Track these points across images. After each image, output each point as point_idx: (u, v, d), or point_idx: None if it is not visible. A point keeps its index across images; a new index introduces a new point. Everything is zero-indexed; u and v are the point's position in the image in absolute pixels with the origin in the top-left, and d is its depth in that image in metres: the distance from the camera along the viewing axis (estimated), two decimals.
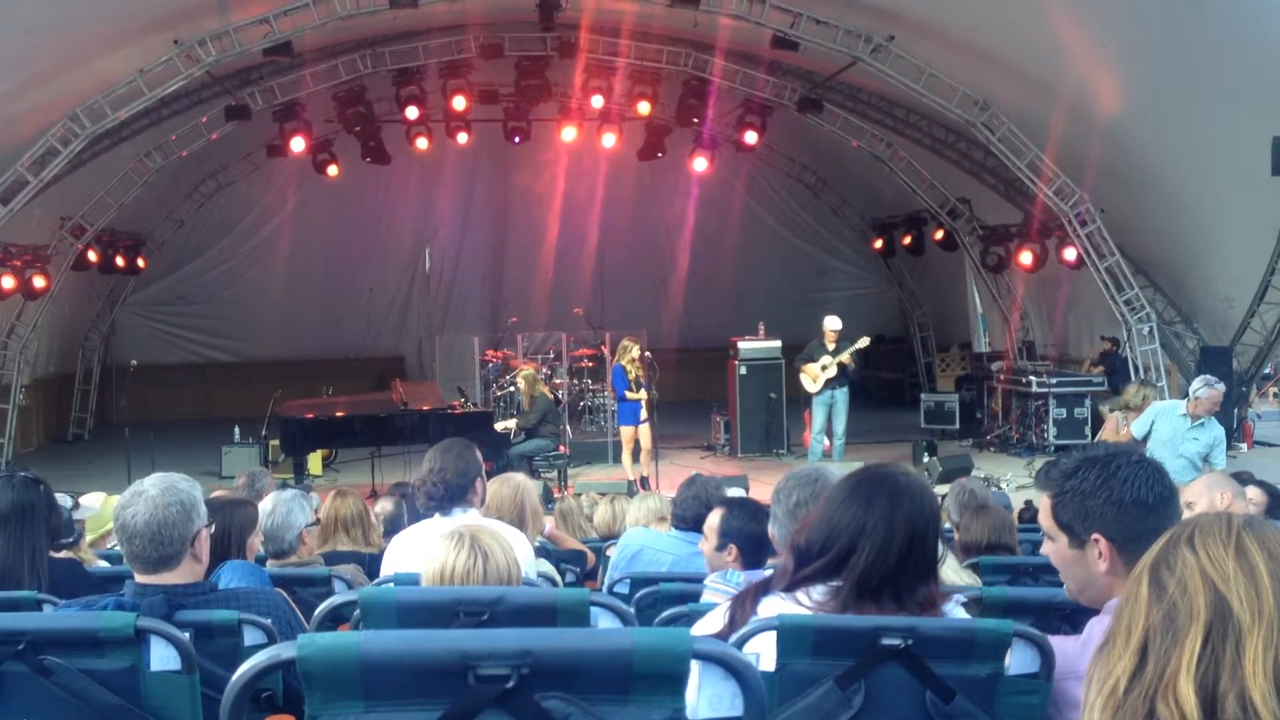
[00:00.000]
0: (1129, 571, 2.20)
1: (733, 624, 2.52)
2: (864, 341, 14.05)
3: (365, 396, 15.62)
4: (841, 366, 13.85)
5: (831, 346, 13.95)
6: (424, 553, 3.03)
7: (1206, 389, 8.83)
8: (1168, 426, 8.92)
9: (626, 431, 13.36)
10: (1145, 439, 8.88)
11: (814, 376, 13.99)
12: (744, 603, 2.56)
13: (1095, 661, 1.52)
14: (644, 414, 13.17)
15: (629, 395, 13.18)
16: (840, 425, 14.07)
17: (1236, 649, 1.38)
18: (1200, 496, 4.93)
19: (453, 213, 20.90)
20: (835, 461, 13.04)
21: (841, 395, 14.01)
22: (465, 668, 1.72)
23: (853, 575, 2.44)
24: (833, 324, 14.07)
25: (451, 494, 4.33)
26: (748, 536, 3.93)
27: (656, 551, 4.91)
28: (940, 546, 2.58)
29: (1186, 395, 9.15)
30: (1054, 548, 2.36)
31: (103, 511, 5.10)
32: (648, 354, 13.47)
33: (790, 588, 2.51)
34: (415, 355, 21.11)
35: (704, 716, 1.98)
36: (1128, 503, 2.22)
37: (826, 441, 14.19)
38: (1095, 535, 2.25)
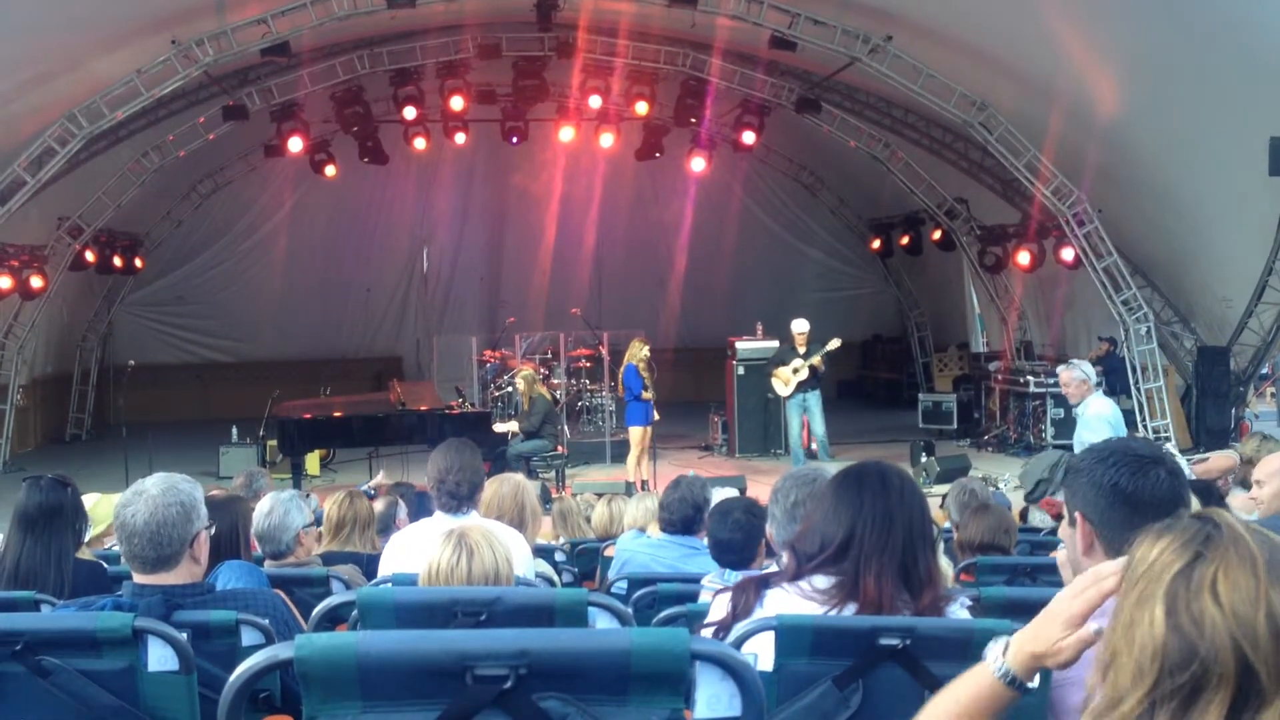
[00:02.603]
0: (1105, 554, 2.20)
1: (735, 613, 2.53)
2: (835, 343, 13.92)
3: (363, 397, 15.62)
4: (812, 369, 13.80)
5: (801, 349, 13.91)
6: (421, 552, 3.04)
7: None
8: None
9: (636, 432, 13.29)
10: None
11: (785, 380, 13.91)
12: (747, 592, 2.57)
13: (1097, 671, 1.43)
14: (655, 414, 13.14)
15: (645, 396, 13.15)
16: (820, 427, 14.01)
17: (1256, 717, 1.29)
18: (1272, 478, 4.63)
19: (450, 213, 20.90)
20: (824, 462, 13.01)
21: (814, 398, 13.95)
22: (463, 668, 1.72)
23: (856, 561, 2.48)
24: (799, 326, 14.02)
25: (471, 492, 4.42)
26: (715, 542, 3.96)
27: (647, 556, 4.91)
28: (934, 531, 2.64)
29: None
30: (1063, 524, 2.40)
31: (97, 511, 5.08)
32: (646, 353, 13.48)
33: (794, 578, 2.54)
34: (413, 355, 21.12)
35: (702, 716, 1.98)
36: (1105, 487, 2.24)
37: (813, 445, 14.14)
38: (1077, 513, 2.28)
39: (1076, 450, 8.06)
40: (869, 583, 2.46)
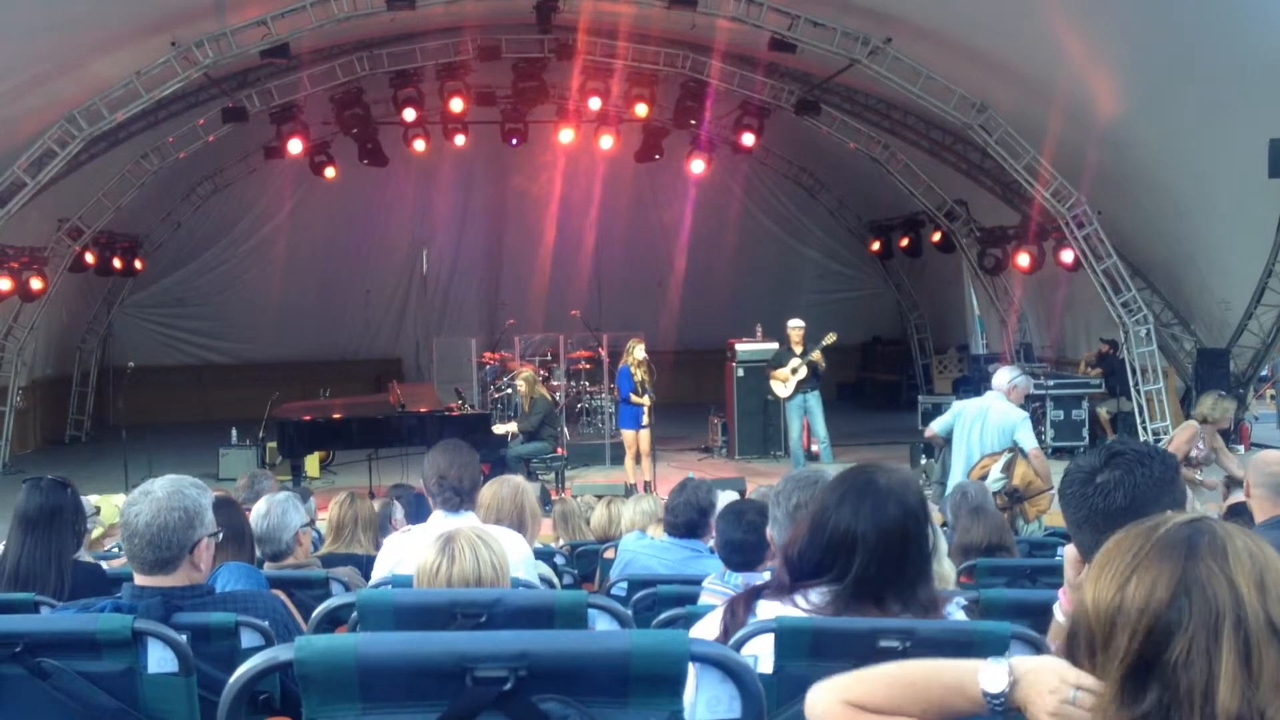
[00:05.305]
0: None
1: (726, 633, 2.50)
2: (831, 337, 13.79)
3: (363, 398, 15.61)
4: (812, 366, 13.71)
5: (799, 349, 13.84)
6: (414, 556, 3.04)
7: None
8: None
9: (628, 435, 13.28)
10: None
11: (784, 379, 13.80)
12: (736, 610, 2.54)
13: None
14: (645, 419, 13.09)
15: (633, 399, 13.09)
16: (821, 429, 13.86)
17: None
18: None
19: (450, 215, 20.90)
20: (825, 464, 12.95)
21: (814, 399, 13.82)
22: (463, 670, 1.72)
23: (850, 582, 2.44)
24: (795, 324, 13.96)
25: (471, 489, 4.41)
26: (726, 543, 3.97)
27: (650, 557, 4.91)
28: (933, 535, 2.59)
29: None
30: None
31: (107, 513, 5.09)
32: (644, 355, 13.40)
33: (789, 592, 2.50)
34: (413, 357, 21.11)
35: (701, 719, 1.98)
36: (1065, 494, 2.39)
37: (814, 447, 14.09)
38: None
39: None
40: (865, 592, 2.43)
